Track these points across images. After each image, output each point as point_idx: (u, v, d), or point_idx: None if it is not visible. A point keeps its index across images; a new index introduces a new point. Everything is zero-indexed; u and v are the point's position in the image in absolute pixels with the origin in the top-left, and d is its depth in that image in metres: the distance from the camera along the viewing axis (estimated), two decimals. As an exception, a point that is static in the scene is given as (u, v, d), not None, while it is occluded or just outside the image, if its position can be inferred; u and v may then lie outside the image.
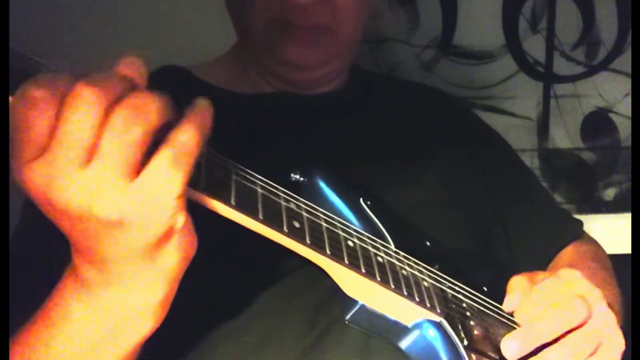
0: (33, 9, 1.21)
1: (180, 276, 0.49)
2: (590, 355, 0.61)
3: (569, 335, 0.61)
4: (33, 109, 0.40)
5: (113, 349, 0.50)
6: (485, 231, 0.88)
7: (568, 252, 0.92)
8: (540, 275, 0.69)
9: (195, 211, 0.48)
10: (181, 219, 0.45)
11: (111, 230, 0.43)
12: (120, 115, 0.41)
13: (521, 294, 0.66)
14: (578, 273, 0.67)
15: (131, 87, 0.42)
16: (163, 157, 0.43)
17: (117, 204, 0.42)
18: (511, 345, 0.61)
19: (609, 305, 0.66)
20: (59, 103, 0.41)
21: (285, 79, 0.85)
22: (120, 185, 0.42)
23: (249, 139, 0.77)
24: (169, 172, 0.43)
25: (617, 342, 0.63)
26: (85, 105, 0.40)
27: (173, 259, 0.47)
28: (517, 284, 0.68)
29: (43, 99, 0.40)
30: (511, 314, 0.68)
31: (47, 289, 0.51)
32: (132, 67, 0.44)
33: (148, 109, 0.42)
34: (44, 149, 0.41)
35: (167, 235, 0.45)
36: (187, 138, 0.43)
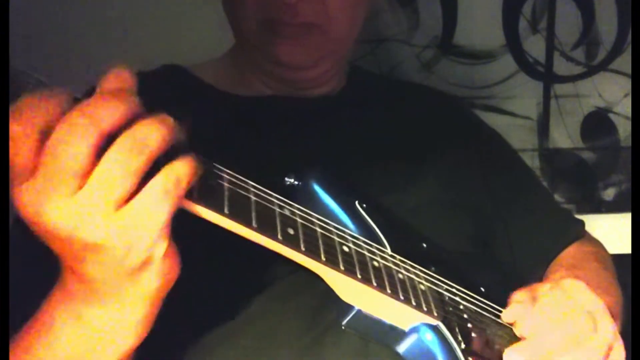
0: (35, 4, 1.21)
1: (163, 297, 0.50)
2: None
3: (574, 351, 0.61)
4: (14, 141, 0.40)
5: None
6: (486, 232, 0.88)
7: (570, 252, 0.92)
8: (541, 288, 0.69)
9: (191, 214, 0.48)
10: (160, 249, 0.46)
11: (93, 253, 0.44)
12: (120, 147, 0.41)
13: (522, 306, 0.66)
14: (582, 284, 0.67)
15: (129, 115, 0.42)
16: (155, 188, 0.43)
17: (101, 230, 0.42)
18: (515, 357, 0.61)
19: (611, 312, 0.66)
20: (40, 133, 0.41)
21: (280, 79, 0.85)
22: (108, 212, 0.42)
23: (244, 141, 0.77)
24: (158, 202, 0.43)
25: (618, 354, 0.63)
26: (77, 135, 0.40)
27: (153, 283, 0.47)
28: (518, 297, 0.68)
29: (21, 134, 0.40)
30: (510, 325, 0.68)
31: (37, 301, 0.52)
32: (120, 80, 0.44)
33: (149, 141, 0.42)
34: (32, 173, 0.41)
35: (146, 262, 0.45)
36: (183, 172, 0.44)
